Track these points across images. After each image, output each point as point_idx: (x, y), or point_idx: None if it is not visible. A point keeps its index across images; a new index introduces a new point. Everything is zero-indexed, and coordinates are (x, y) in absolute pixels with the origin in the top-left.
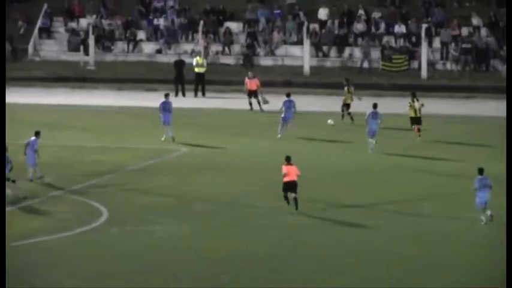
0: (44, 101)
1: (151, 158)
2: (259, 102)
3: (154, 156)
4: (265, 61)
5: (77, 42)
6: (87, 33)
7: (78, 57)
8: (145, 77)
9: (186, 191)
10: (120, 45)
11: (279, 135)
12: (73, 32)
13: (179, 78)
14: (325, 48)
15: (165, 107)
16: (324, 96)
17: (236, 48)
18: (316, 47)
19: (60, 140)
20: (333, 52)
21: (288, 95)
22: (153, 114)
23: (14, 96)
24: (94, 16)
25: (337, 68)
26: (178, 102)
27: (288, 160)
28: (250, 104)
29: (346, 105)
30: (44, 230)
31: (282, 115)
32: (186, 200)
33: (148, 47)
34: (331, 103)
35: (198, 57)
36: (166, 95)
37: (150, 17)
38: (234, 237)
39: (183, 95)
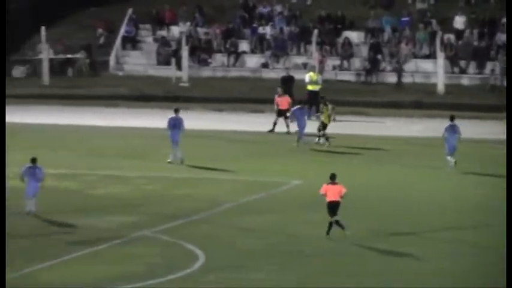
0: (127, 124)
1: (254, 192)
2: (287, 125)
3: (258, 190)
4: (391, 78)
5: (168, 54)
6: (179, 43)
7: (169, 72)
8: (249, 96)
9: (295, 232)
10: (219, 58)
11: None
12: (163, 42)
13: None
14: (462, 63)
15: (175, 123)
16: (462, 120)
17: (356, 62)
18: (452, 61)
19: (147, 170)
20: (472, 68)
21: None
22: (257, 140)
23: (92, 118)
24: (188, 23)
25: (477, 86)
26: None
27: (332, 178)
28: (275, 124)
29: (323, 125)
30: (128, 276)
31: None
32: (295, 243)
33: (252, 61)
34: (473, 129)
35: (311, 73)
36: (176, 110)
37: (255, 25)
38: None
39: None
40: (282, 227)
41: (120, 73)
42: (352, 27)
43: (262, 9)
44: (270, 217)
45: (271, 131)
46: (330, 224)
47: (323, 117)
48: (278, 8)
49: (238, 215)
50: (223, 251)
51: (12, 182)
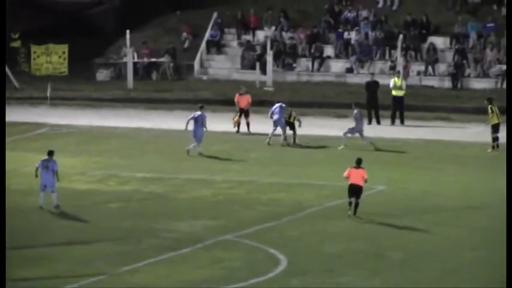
0: (211, 128)
1: (338, 197)
2: (248, 124)
3: (342, 195)
4: (476, 83)
5: (252, 58)
6: (264, 48)
7: (253, 76)
8: (333, 101)
9: (379, 237)
10: (304, 63)
11: None
12: (248, 47)
13: (372, 102)
14: None
15: (198, 118)
16: None
17: (441, 67)
18: None
19: (231, 174)
20: None
21: None
22: (339, 146)
23: (176, 122)
24: (273, 28)
25: None
26: (372, 130)
27: (358, 163)
28: (238, 124)
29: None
30: (210, 280)
31: None
32: (379, 248)
33: (337, 66)
34: None
35: (396, 78)
36: (201, 107)
37: (340, 30)
38: None
39: (378, 122)
40: (367, 232)
41: (205, 77)
42: (437, 32)
43: (348, 14)
44: (354, 222)
45: (237, 131)
46: (350, 203)
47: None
48: (363, 13)
49: (322, 220)
50: (306, 255)
51: (90, 185)
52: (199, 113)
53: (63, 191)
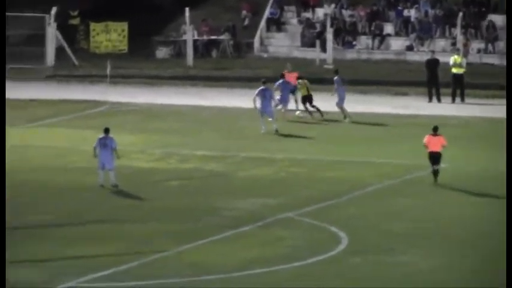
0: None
1: (399, 176)
2: (297, 101)
3: (403, 174)
4: None
5: (312, 36)
6: (324, 25)
7: (313, 54)
8: (393, 79)
9: (440, 216)
10: (364, 41)
11: None
12: (307, 24)
13: (433, 80)
14: None
15: (266, 94)
16: None
17: (501, 45)
18: None
19: (292, 152)
20: None
21: None
22: (399, 124)
23: (236, 100)
24: (333, 5)
25: None
26: (432, 108)
27: (435, 130)
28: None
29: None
30: (270, 259)
31: None
32: (440, 227)
33: (397, 43)
34: None
35: (455, 56)
36: (264, 82)
37: (400, 8)
38: (491, 274)
39: (438, 100)
40: (428, 210)
41: (265, 55)
42: (496, 10)
43: None
44: (415, 200)
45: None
46: (434, 171)
47: (302, 92)
48: None
49: (383, 198)
50: (367, 234)
51: (150, 163)
52: (263, 87)
53: (123, 169)
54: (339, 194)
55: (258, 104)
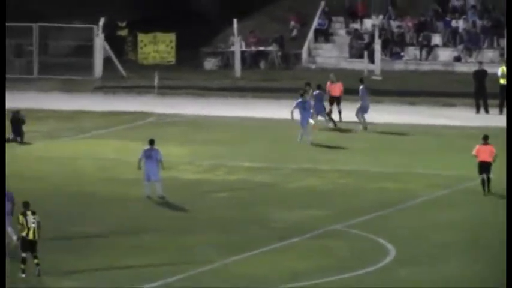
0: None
1: (447, 187)
2: (340, 112)
3: (451, 184)
4: None
5: (360, 47)
6: (372, 36)
7: (361, 65)
8: (441, 90)
9: (489, 226)
10: (412, 52)
11: None
12: (355, 35)
13: (480, 91)
14: None
15: (304, 106)
16: None
17: None
18: None
19: (338, 164)
20: None
21: None
22: (450, 134)
23: (284, 111)
24: (381, 16)
25: None
26: (480, 119)
27: (485, 139)
28: (330, 113)
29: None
30: (318, 270)
31: None
32: (490, 237)
33: (445, 54)
34: None
35: (503, 67)
36: (302, 94)
37: (447, 18)
38: None
39: (486, 111)
40: (477, 221)
41: (313, 66)
42: None
43: (455, 2)
44: (464, 211)
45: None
46: (482, 181)
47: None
48: (471, 1)
49: (432, 209)
50: (415, 245)
51: (198, 175)
52: (301, 99)
53: (171, 180)
54: (386, 205)
55: (297, 116)
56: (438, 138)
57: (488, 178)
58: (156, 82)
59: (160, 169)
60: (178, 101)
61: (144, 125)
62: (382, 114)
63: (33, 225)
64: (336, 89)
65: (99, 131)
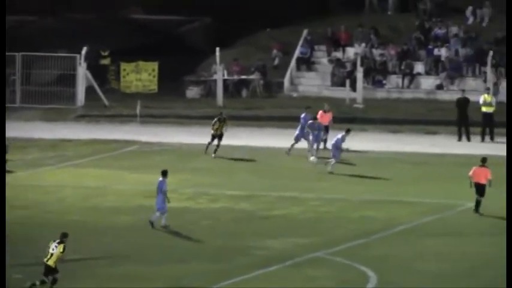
0: (301, 145)
1: (429, 214)
2: (325, 140)
3: (434, 212)
4: None
5: (342, 75)
6: (354, 65)
7: (343, 93)
8: (423, 118)
9: (473, 255)
10: (394, 80)
11: None
12: (338, 64)
13: (462, 119)
14: None
15: (319, 127)
16: None
17: None
18: None
19: (322, 192)
20: None
21: None
22: (433, 162)
23: (267, 139)
24: (363, 45)
25: None
26: (462, 147)
27: (483, 162)
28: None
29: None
30: None
31: None
32: (473, 267)
33: (427, 82)
34: None
35: (485, 95)
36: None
37: (430, 46)
38: None
39: (468, 139)
40: (459, 250)
41: (295, 94)
42: None
43: (438, 31)
44: (446, 239)
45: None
46: (477, 203)
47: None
48: (453, 30)
49: (414, 237)
50: (398, 273)
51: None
52: (312, 121)
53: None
54: (369, 233)
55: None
56: (421, 166)
57: (479, 201)
58: (138, 111)
59: (164, 201)
60: (161, 129)
61: (127, 154)
62: (364, 142)
63: (51, 251)
64: (326, 118)
65: (83, 159)
